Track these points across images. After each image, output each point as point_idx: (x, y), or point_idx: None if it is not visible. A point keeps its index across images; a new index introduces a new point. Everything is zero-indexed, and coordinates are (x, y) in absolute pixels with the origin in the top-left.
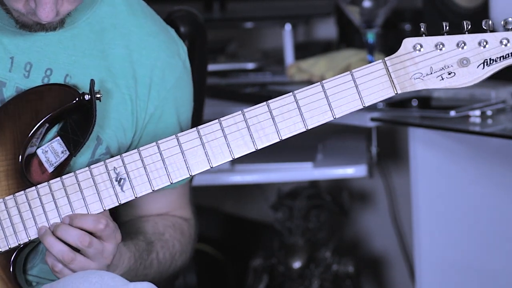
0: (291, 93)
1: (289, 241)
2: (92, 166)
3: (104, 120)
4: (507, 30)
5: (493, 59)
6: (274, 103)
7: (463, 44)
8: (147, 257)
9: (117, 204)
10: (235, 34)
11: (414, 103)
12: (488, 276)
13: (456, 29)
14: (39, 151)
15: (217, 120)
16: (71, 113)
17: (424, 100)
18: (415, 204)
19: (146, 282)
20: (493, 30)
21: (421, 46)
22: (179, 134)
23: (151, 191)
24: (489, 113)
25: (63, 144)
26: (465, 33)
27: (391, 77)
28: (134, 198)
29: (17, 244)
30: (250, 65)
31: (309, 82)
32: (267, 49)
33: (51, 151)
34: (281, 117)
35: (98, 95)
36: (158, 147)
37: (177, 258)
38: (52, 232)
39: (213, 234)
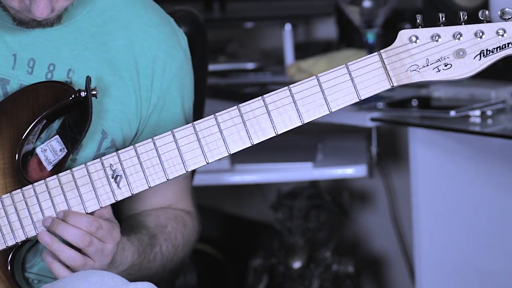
0: (286, 87)
1: (289, 241)
2: (88, 163)
3: (108, 113)
4: (504, 20)
5: (489, 50)
6: (269, 97)
7: (459, 35)
8: (150, 251)
9: (113, 201)
10: (235, 34)
11: (414, 103)
12: (488, 276)
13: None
14: (38, 150)
15: (212, 116)
16: (69, 110)
17: (424, 100)
18: (415, 204)
19: (146, 282)
20: (489, 21)
21: (417, 38)
22: (174, 130)
23: (148, 187)
24: (489, 113)
25: (61, 142)
26: (461, 24)
27: (386, 70)
28: (130, 195)
29: (15, 243)
30: (250, 65)
31: None
32: (267, 49)
33: (50, 149)
34: (276, 112)
35: (94, 92)
36: (154, 143)
37: (180, 250)
38: (48, 229)
39: (213, 234)
